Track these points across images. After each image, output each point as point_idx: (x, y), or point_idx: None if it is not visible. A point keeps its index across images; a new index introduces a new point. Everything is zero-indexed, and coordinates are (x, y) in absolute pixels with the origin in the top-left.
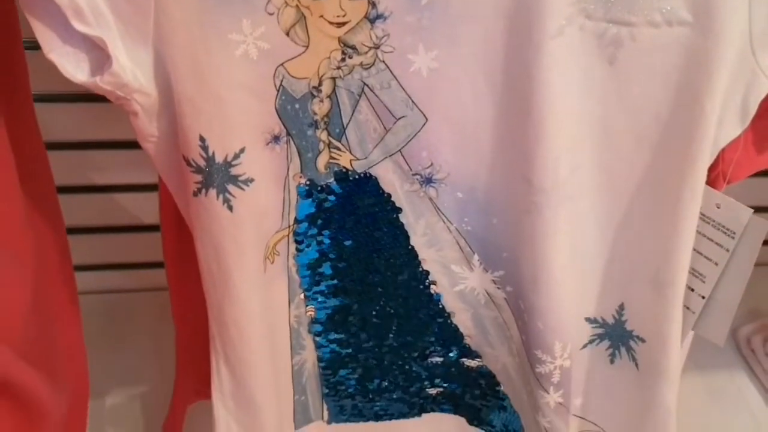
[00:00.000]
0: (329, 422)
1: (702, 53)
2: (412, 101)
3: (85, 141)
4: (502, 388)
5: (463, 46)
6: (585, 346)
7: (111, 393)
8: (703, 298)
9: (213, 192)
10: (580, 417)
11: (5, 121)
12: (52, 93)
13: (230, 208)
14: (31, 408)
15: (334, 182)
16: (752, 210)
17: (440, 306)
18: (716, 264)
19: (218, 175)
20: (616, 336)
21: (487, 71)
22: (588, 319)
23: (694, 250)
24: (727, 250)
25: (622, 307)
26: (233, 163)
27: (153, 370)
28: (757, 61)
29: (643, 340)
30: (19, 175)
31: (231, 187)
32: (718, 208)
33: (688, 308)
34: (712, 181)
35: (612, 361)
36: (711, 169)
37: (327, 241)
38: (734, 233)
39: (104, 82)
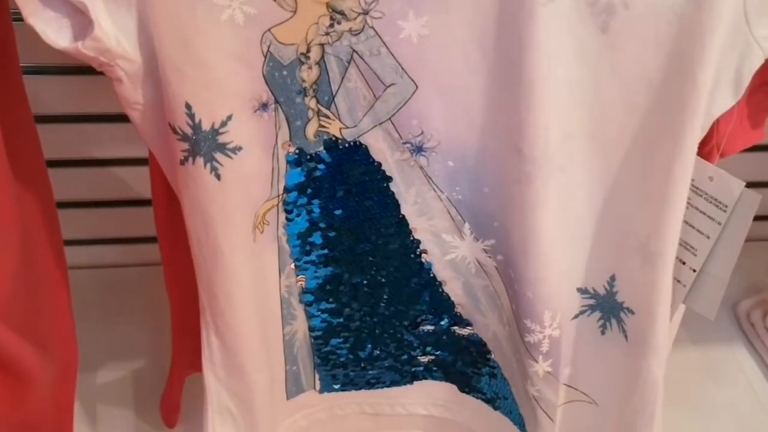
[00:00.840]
0: (321, 392)
1: (695, 23)
2: (402, 68)
3: (81, 114)
4: (492, 356)
5: (454, 12)
6: (576, 316)
7: (104, 367)
8: (695, 271)
9: (200, 160)
10: (570, 386)
11: None
12: (48, 65)
13: (218, 176)
14: (17, 375)
15: (324, 151)
16: (744, 183)
17: (431, 275)
18: (708, 237)
19: (205, 143)
20: (607, 307)
21: (478, 38)
22: (579, 290)
23: (686, 222)
24: (719, 224)
25: (613, 278)
26: (220, 130)
27: (146, 345)
28: (751, 31)
29: (632, 312)
30: (6, 146)
31: (218, 156)
32: (710, 180)
33: (678, 281)
34: (706, 154)
35: (603, 333)
36: (705, 142)
37: (317, 210)
38: (726, 206)
39: (86, 48)
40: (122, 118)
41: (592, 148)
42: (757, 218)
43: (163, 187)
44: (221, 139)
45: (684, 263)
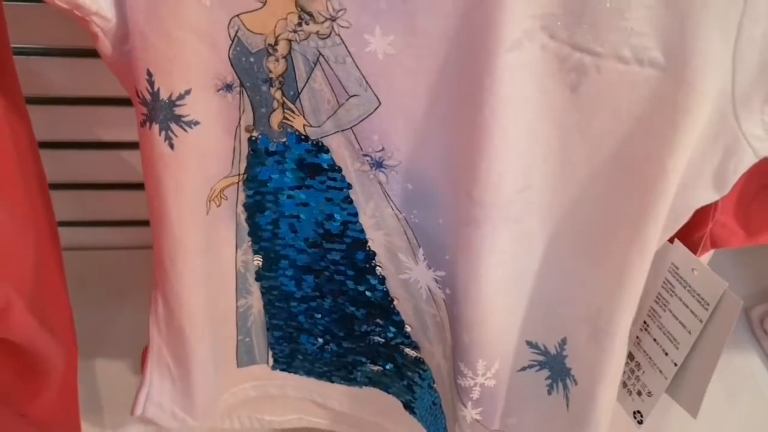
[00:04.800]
0: (274, 368)
1: (670, 103)
2: (366, 82)
3: (94, 97)
4: (435, 385)
5: (420, 37)
6: (524, 369)
7: (108, 349)
8: (676, 365)
9: (156, 127)
10: None
11: None
12: (57, 47)
13: (171, 146)
14: (37, 368)
15: (287, 144)
16: (727, 283)
17: (384, 288)
18: (689, 333)
19: (161, 112)
20: (556, 369)
21: (441, 68)
22: (529, 343)
23: (670, 312)
24: (701, 321)
25: (564, 341)
26: (177, 102)
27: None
28: (740, 126)
29: (576, 383)
30: None
31: (174, 126)
32: (693, 272)
33: (660, 372)
34: (696, 240)
35: (549, 393)
36: (697, 228)
37: (276, 200)
38: (708, 304)
39: None
40: (127, 102)
41: (552, 202)
42: None
43: None
44: (177, 111)
45: (666, 354)
